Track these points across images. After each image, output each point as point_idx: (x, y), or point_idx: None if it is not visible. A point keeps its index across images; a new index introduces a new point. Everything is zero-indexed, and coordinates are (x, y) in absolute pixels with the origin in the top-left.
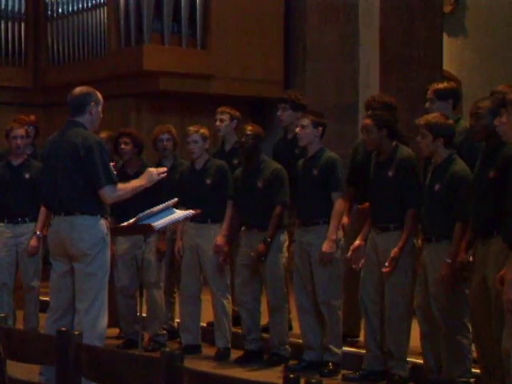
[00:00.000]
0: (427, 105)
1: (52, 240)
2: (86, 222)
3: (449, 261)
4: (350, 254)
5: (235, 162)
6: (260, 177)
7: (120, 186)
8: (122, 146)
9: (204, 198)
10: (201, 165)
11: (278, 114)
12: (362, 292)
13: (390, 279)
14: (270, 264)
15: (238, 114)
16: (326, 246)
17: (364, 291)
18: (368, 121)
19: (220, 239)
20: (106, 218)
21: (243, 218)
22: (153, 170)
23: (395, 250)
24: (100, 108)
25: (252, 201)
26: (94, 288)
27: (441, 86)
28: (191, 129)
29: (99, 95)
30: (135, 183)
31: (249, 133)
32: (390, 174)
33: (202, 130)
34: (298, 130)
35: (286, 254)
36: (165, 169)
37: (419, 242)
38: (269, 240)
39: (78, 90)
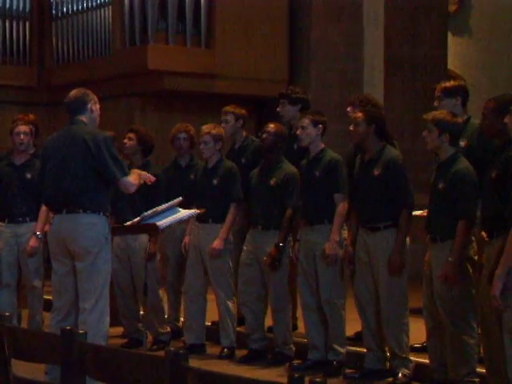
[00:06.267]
0: (435, 103)
1: (53, 239)
2: (89, 219)
3: (451, 259)
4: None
5: (243, 160)
6: (273, 176)
7: (135, 175)
8: (125, 141)
9: (209, 197)
10: (212, 164)
11: (278, 109)
12: (356, 293)
13: (383, 279)
14: (279, 265)
15: (243, 112)
16: (328, 248)
17: (358, 292)
18: (359, 114)
19: (217, 243)
20: (108, 216)
21: (251, 216)
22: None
23: (394, 256)
24: (98, 106)
25: (261, 199)
26: (97, 287)
27: (448, 83)
28: (204, 129)
29: (94, 95)
30: (138, 172)
31: (270, 130)
32: (376, 172)
33: (215, 131)
34: (298, 131)
35: (290, 254)
36: (151, 177)
37: (408, 240)
38: (281, 245)
39: (74, 91)
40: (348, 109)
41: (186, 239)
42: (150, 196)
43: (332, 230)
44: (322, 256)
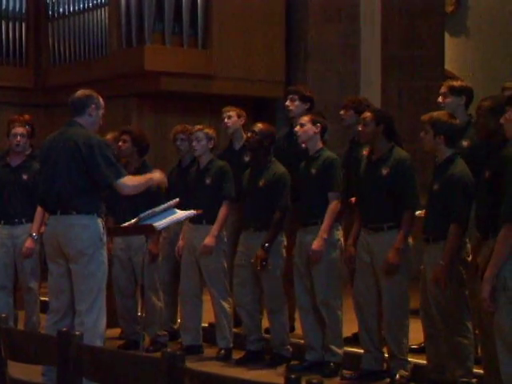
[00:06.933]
0: (439, 99)
1: (48, 241)
2: (83, 221)
3: (442, 263)
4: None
5: (246, 159)
6: (262, 177)
7: (132, 177)
8: (120, 144)
9: (202, 198)
10: (203, 164)
11: (287, 104)
12: (355, 293)
13: (385, 280)
14: (266, 265)
15: (243, 112)
16: (315, 244)
17: (357, 292)
18: (368, 113)
19: (209, 239)
20: (102, 218)
21: (243, 218)
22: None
23: (392, 254)
24: (100, 112)
25: (251, 200)
26: (93, 288)
27: (455, 82)
28: (197, 127)
29: (101, 100)
30: (148, 176)
31: (256, 129)
32: (384, 172)
33: (207, 130)
34: (297, 128)
35: (283, 255)
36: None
37: (411, 241)
38: (267, 245)
39: (79, 92)
40: (341, 112)
41: (180, 243)
42: (150, 197)
43: (321, 228)
44: (310, 255)
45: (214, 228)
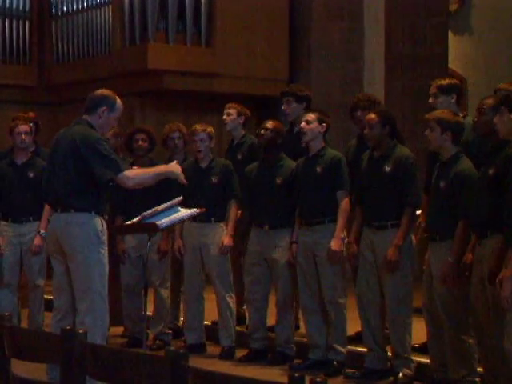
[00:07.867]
0: (430, 100)
1: (49, 238)
2: (80, 219)
3: (451, 260)
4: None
5: (239, 157)
6: (279, 174)
7: (134, 170)
8: (140, 143)
9: (209, 196)
10: (206, 163)
11: (283, 108)
12: (358, 292)
13: (388, 278)
14: (281, 263)
15: (246, 111)
16: (334, 244)
17: (360, 291)
18: (373, 116)
19: (227, 239)
20: (103, 216)
21: (254, 216)
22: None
23: (391, 250)
24: (113, 116)
25: (267, 198)
26: (91, 287)
27: (443, 81)
28: (198, 127)
29: (118, 104)
30: (156, 169)
31: (269, 126)
32: (387, 169)
33: (209, 129)
34: (302, 124)
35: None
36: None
37: (413, 238)
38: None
39: (99, 90)
40: (358, 114)
41: (179, 242)
42: (162, 195)
43: (337, 227)
44: (327, 255)
45: (230, 227)
